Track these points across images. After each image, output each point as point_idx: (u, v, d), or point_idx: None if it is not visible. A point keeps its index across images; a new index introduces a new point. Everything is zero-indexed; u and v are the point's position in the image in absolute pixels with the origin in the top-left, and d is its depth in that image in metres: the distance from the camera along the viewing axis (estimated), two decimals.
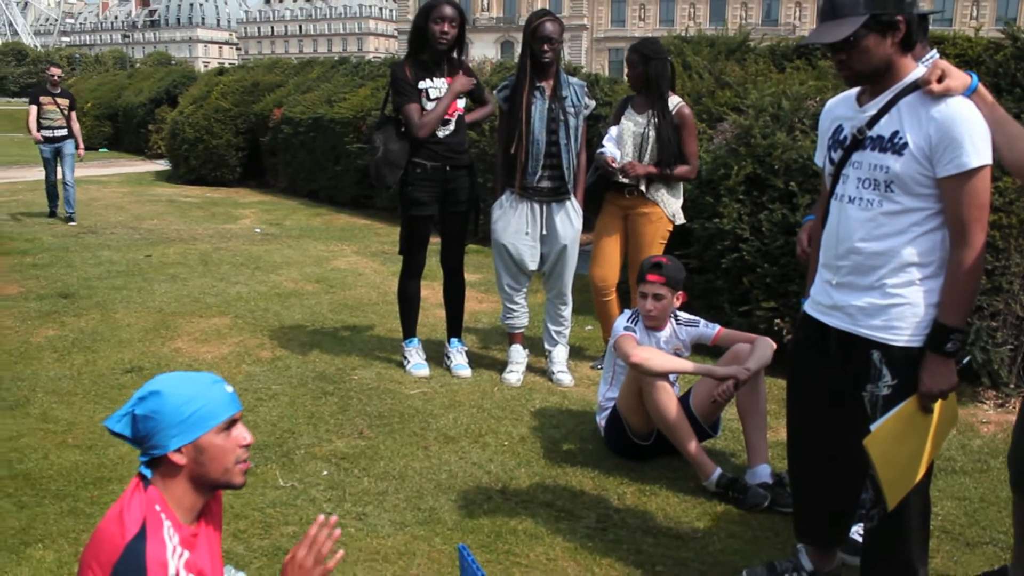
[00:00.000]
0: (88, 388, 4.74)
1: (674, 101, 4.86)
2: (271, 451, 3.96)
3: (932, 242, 2.43)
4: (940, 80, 2.34)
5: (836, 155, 2.60)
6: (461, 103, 4.85)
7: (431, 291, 5.71)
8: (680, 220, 5.05)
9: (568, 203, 4.85)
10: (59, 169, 10.67)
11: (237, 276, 7.49)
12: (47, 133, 10.57)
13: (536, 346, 5.33)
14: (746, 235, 5.20)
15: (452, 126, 4.81)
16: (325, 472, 3.78)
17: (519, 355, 5.06)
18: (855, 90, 2.59)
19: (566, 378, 4.97)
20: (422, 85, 4.73)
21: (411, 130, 4.70)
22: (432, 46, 4.71)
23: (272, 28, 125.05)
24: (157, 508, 1.91)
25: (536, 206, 4.82)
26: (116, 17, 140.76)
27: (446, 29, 4.67)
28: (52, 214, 10.76)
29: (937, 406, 2.46)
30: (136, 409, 1.92)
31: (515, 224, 4.83)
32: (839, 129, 2.61)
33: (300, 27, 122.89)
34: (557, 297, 5.02)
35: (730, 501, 3.56)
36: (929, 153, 2.35)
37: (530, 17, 4.74)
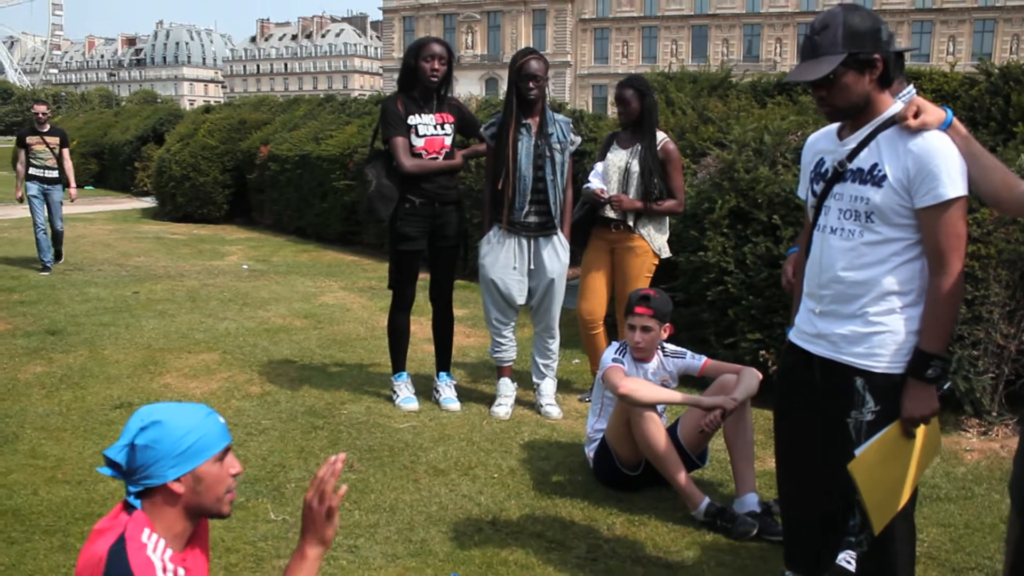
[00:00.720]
0: (77, 424, 4.73)
1: (659, 137, 4.95)
2: (262, 485, 3.97)
3: (912, 271, 2.51)
4: (916, 116, 2.44)
5: (818, 187, 2.68)
6: (448, 139, 4.93)
7: (419, 326, 5.74)
8: (666, 254, 5.12)
9: (555, 238, 4.92)
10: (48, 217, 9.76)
11: (225, 312, 7.51)
12: (37, 173, 9.72)
13: (524, 379, 5.36)
14: (731, 268, 5.27)
15: (440, 161, 4.89)
16: None
17: (507, 388, 5.10)
18: (836, 125, 2.68)
19: (554, 411, 5.01)
20: (411, 120, 4.81)
21: (398, 163, 4.77)
22: (422, 83, 4.81)
23: (258, 66, 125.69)
24: (146, 530, 1.93)
25: (523, 241, 4.88)
26: (102, 56, 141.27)
27: (436, 67, 4.77)
28: (46, 268, 9.50)
29: (920, 431, 2.52)
30: (137, 439, 1.94)
31: (503, 259, 4.89)
32: (821, 162, 2.69)
33: (285, 65, 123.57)
34: (545, 331, 5.06)
35: (718, 530, 3.59)
36: (907, 185, 2.44)
37: (515, 55, 4.83)
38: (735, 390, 3.72)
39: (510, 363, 5.13)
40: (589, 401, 5.00)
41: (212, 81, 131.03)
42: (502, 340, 5.07)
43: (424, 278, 5.15)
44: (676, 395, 3.83)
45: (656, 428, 3.71)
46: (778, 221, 5.14)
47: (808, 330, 2.72)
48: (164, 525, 1.98)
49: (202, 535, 2.16)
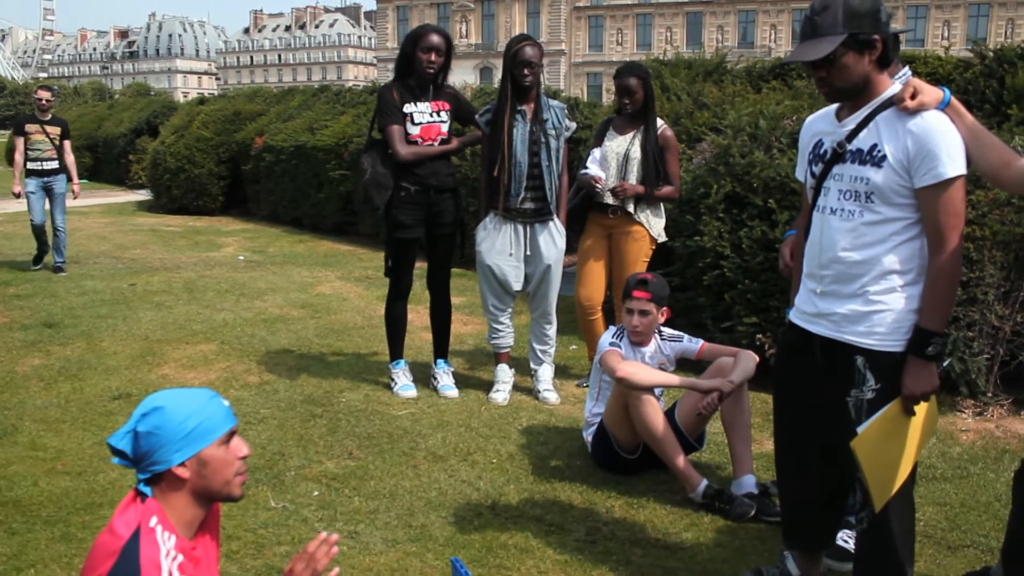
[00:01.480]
0: (76, 415, 4.74)
1: (657, 123, 4.96)
2: (262, 473, 3.98)
3: (912, 250, 2.53)
4: (913, 97, 2.45)
5: (817, 169, 2.69)
6: (444, 127, 4.93)
7: (416, 315, 5.76)
8: (663, 238, 5.13)
9: (551, 224, 4.92)
10: (49, 210, 9.18)
11: (222, 303, 7.51)
12: (35, 166, 8.99)
13: (522, 366, 5.38)
14: (727, 252, 5.29)
15: (436, 147, 4.90)
16: (316, 492, 3.81)
17: (505, 375, 5.11)
18: (834, 106, 2.69)
19: (552, 396, 5.02)
20: (407, 109, 4.82)
21: (394, 151, 4.78)
22: (419, 73, 4.80)
23: (251, 58, 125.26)
24: (154, 518, 1.94)
25: (519, 227, 4.89)
26: (95, 49, 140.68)
27: (433, 59, 4.78)
28: (39, 260, 9.14)
29: (920, 409, 2.54)
30: (139, 426, 1.95)
31: (499, 245, 4.89)
32: (819, 144, 2.70)
33: (279, 56, 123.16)
34: (542, 317, 5.08)
35: (717, 512, 3.62)
36: (907, 164, 2.45)
37: (510, 42, 4.83)
38: (732, 373, 3.73)
39: (507, 349, 5.15)
40: (587, 386, 5.02)
41: (206, 73, 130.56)
42: (499, 327, 5.08)
43: (421, 266, 5.16)
44: (673, 378, 3.85)
45: (654, 411, 3.73)
46: (773, 205, 5.15)
47: (808, 310, 2.74)
48: (175, 512, 2.00)
49: (213, 522, 2.17)
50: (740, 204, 5.36)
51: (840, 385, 2.63)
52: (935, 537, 3.42)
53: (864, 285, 2.56)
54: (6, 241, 11.29)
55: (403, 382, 5.13)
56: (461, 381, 5.27)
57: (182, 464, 1.96)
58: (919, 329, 2.49)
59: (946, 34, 58.94)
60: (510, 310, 5.10)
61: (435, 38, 4.80)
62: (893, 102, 2.49)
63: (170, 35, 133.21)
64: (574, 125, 5.01)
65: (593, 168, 4.94)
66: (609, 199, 4.96)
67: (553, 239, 4.93)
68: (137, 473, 2.00)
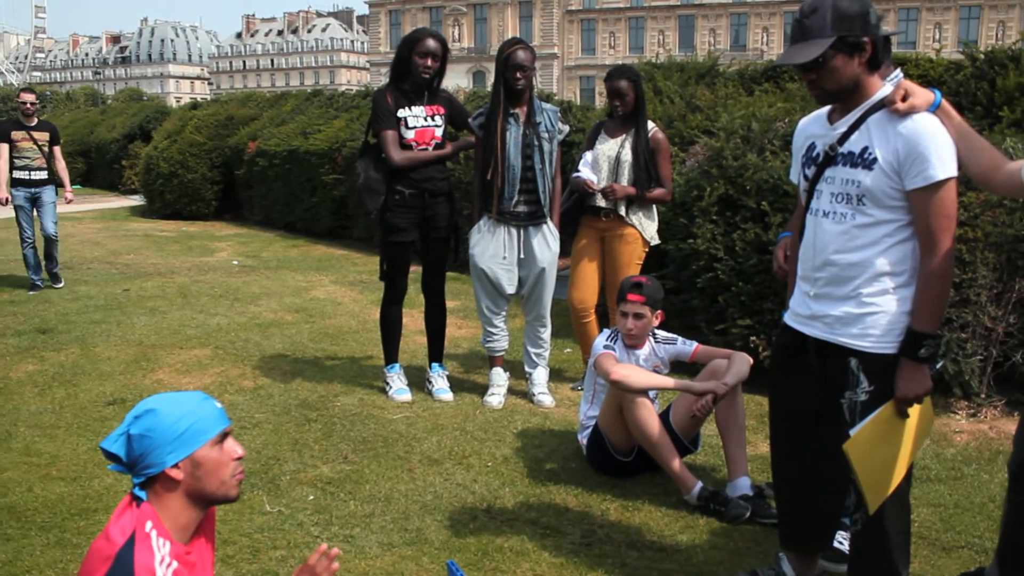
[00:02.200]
0: (70, 421, 4.73)
1: (648, 126, 4.98)
2: (257, 478, 3.97)
3: (904, 252, 2.54)
4: (904, 99, 2.46)
5: (810, 171, 2.70)
6: (439, 131, 4.94)
7: (411, 318, 5.76)
8: (656, 241, 5.14)
9: (545, 227, 4.93)
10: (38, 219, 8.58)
11: (216, 308, 7.51)
12: (22, 175, 8.35)
13: (517, 369, 5.38)
14: (720, 255, 5.30)
15: (430, 152, 4.90)
16: (311, 497, 3.80)
17: (500, 378, 5.12)
18: (826, 109, 2.70)
19: (547, 399, 5.03)
20: (401, 113, 4.82)
21: (388, 157, 4.78)
22: (414, 77, 4.81)
23: (244, 63, 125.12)
24: (149, 523, 1.94)
25: (513, 230, 4.89)
26: (87, 54, 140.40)
27: (429, 64, 4.79)
28: (35, 287, 8.33)
29: (914, 411, 2.55)
30: (131, 429, 1.95)
31: (493, 248, 4.90)
32: (812, 147, 2.71)
33: (272, 61, 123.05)
34: (536, 320, 5.08)
35: (712, 514, 3.62)
36: (898, 167, 2.46)
37: (502, 46, 4.84)
38: (726, 375, 3.74)
39: (502, 353, 5.15)
40: (581, 390, 5.03)
41: (198, 78, 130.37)
42: (494, 330, 5.09)
43: (416, 270, 5.16)
44: (668, 381, 3.86)
45: (648, 414, 3.73)
46: (767, 208, 5.16)
47: (802, 312, 2.75)
48: (170, 516, 2.00)
49: (209, 526, 2.17)
50: (733, 206, 5.37)
51: (834, 387, 2.64)
52: (929, 538, 3.43)
53: (857, 287, 2.57)
54: None
55: (398, 386, 5.13)
56: (456, 385, 5.27)
57: (175, 466, 1.97)
58: (911, 331, 2.51)
59: (937, 36, 59.11)
60: (504, 313, 5.11)
61: (432, 43, 4.81)
62: (884, 104, 2.50)
63: (162, 40, 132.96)
64: (567, 128, 5.02)
65: (585, 172, 4.95)
66: (601, 202, 4.97)
67: (547, 242, 4.93)
68: (132, 478, 2.00)
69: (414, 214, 4.94)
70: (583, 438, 4.15)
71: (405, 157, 4.82)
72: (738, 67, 9.15)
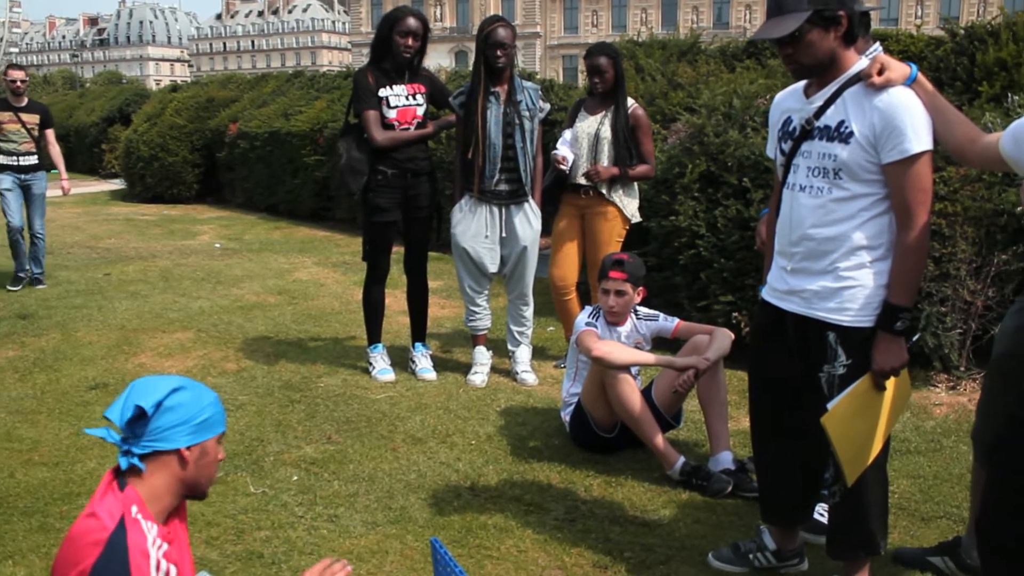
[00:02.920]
0: (52, 406, 4.71)
1: (629, 103, 4.97)
2: (240, 460, 3.97)
3: (880, 226, 2.55)
4: (880, 73, 2.46)
5: (786, 146, 2.71)
6: (420, 110, 4.92)
7: (393, 299, 5.75)
8: (637, 218, 5.15)
9: (526, 205, 4.93)
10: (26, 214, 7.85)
11: (199, 291, 7.47)
12: (7, 160, 7.57)
13: (499, 348, 5.39)
14: (702, 231, 5.31)
15: (412, 131, 4.88)
16: (295, 477, 3.81)
17: (483, 357, 5.12)
18: (802, 83, 2.70)
19: (530, 377, 5.04)
20: (382, 93, 4.80)
21: (370, 137, 4.77)
22: (394, 57, 4.79)
23: (224, 44, 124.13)
24: (134, 507, 1.95)
25: (495, 209, 4.88)
26: (64, 36, 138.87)
27: (410, 43, 4.76)
28: (18, 279, 7.70)
29: (890, 383, 2.57)
30: (167, 400, 1.99)
31: (474, 227, 4.89)
32: (788, 121, 2.72)
33: (252, 42, 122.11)
34: (519, 298, 5.09)
35: (694, 488, 3.65)
36: (873, 141, 2.47)
37: (482, 23, 4.81)
38: (707, 350, 3.76)
39: (485, 332, 5.15)
40: (564, 367, 5.05)
41: (178, 60, 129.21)
42: (476, 309, 5.09)
43: (398, 250, 5.15)
44: (649, 357, 3.87)
45: (630, 390, 3.75)
46: (748, 184, 5.18)
47: (780, 287, 2.76)
48: (155, 497, 2.01)
49: (182, 509, 2.19)
50: (715, 183, 5.38)
51: (812, 361, 2.66)
52: (909, 509, 3.47)
53: (834, 262, 2.58)
54: None
55: (381, 366, 5.13)
56: (439, 364, 5.27)
57: (189, 448, 2.02)
58: (888, 304, 2.52)
59: (919, 13, 59.14)
60: (487, 292, 5.11)
61: (412, 22, 4.78)
62: (860, 78, 2.51)
63: (141, 22, 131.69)
64: (548, 106, 5.01)
65: (562, 149, 4.95)
66: (581, 179, 4.97)
67: (529, 220, 4.93)
68: (129, 448, 2.00)
69: (396, 194, 4.93)
70: (566, 415, 4.17)
71: (387, 137, 4.80)
72: (720, 44, 9.13)
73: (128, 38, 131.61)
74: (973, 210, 4.67)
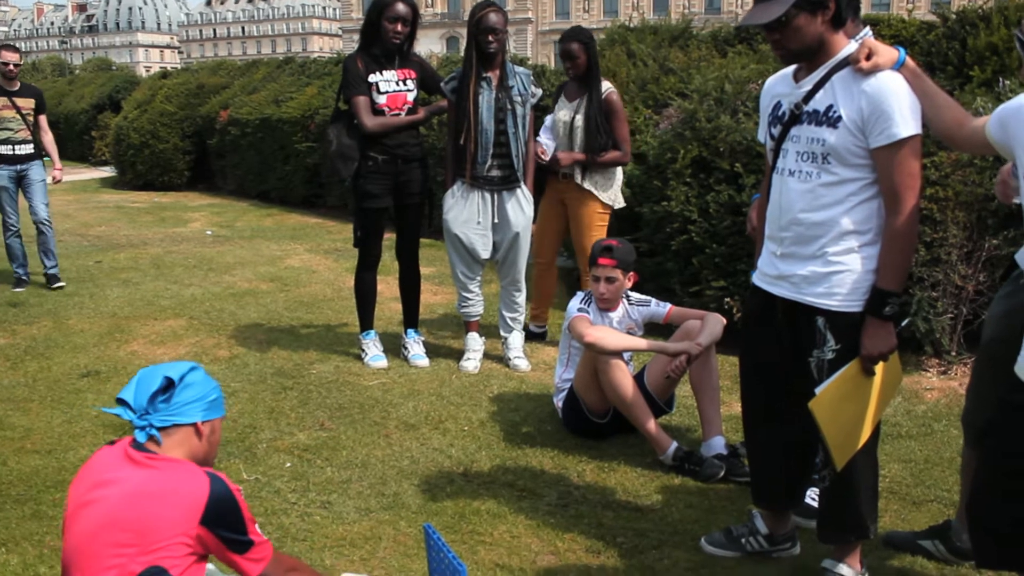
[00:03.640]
0: (44, 394, 4.70)
1: (604, 86, 5.00)
2: (233, 447, 3.97)
3: (869, 211, 2.55)
4: (868, 58, 2.46)
5: (776, 131, 2.71)
6: (411, 95, 4.90)
7: (386, 285, 5.75)
8: (618, 204, 5.20)
9: (519, 191, 4.92)
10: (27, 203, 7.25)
11: (190, 278, 7.45)
12: (5, 150, 7.05)
13: (492, 334, 5.39)
14: (694, 217, 5.31)
15: (403, 117, 4.87)
16: (288, 464, 3.81)
17: (475, 343, 5.12)
18: (792, 68, 2.70)
19: (523, 363, 5.04)
20: (372, 78, 4.78)
21: (360, 123, 4.75)
22: (384, 42, 4.77)
23: (214, 31, 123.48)
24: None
25: (487, 195, 4.88)
26: (52, 23, 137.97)
27: (399, 28, 4.75)
28: (21, 282, 7.15)
29: (879, 368, 2.58)
30: (187, 376, 2.16)
31: (467, 213, 4.88)
32: (778, 105, 2.72)
33: (243, 29, 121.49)
34: (511, 284, 5.09)
35: (687, 473, 3.66)
36: (862, 125, 2.47)
37: (473, 8, 4.79)
38: (699, 335, 3.77)
39: (477, 318, 5.15)
40: (537, 329, 5.30)
41: (168, 47, 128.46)
42: (468, 295, 5.09)
43: (390, 237, 5.14)
44: (642, 342, 3.88)
45: (623, 375, 3.76)
46: (740, 169, 5.18)
47: (770, 272, 2.76)
48: None
49: None
50: (707, 168, 5.38)
51: (802, 346, 2.67)
52: (900, 493, 3.49)
53: (823, 246, 2.59)
54: None
55: (373, 352, 5.13)
56: (431, 350, 5.28)
57: (204, 423, 2.18)
58: (876, 289, 2.53)
59: None
60: (479, 278, 5.10)
61: (401, 7, 4.76)
62: (849, 62, 2.50)
63: (130, 8, 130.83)
64: (540, 92, 4.99)
65: (543, 137, 5.04)
66: (557, 168, 5.05)
67: (521, 206, 4.93)
68: (147, 421, 2.12)
69: (387, 180, 4.91)
70: (558, 401, 4.18)
71: (377, 123, 4.79)
72: (711, 29, 9.12)
73: (117, 24, 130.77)
74: (964, 195, 4.68)
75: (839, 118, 2.50)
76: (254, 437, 4.10)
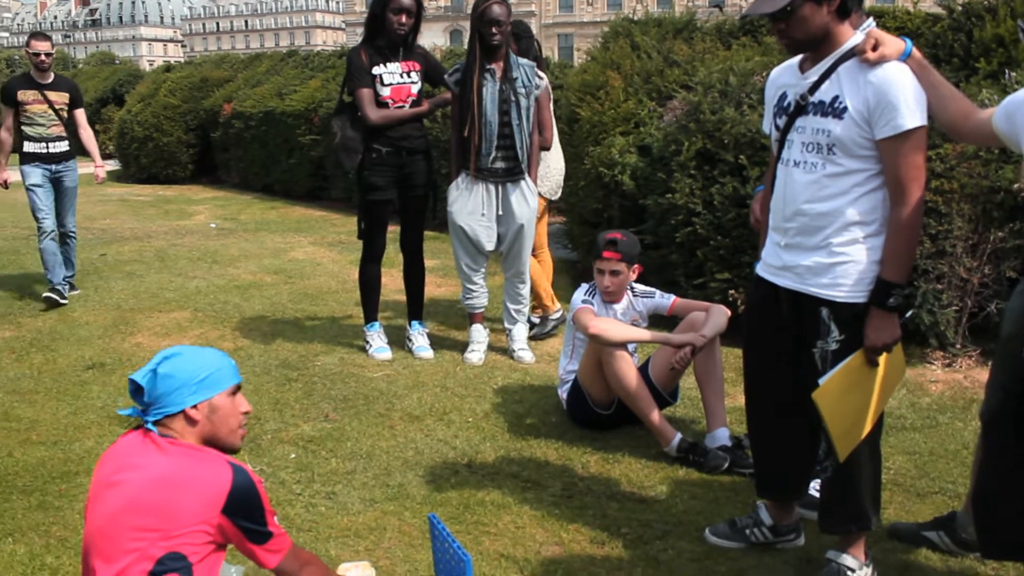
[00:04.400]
0: (49, 386, 4.71)
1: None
2: None
3: (874, 202, 2.54)
4: (875, 48, 2.45)
5: (781, 121, 2.70)
6: (415, 87, 4.90)
7: (390, 278, 5.75)
8: (554, 196, 5.40)
9: (523, 183, 4.92)
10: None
11: (195, 271, 7.47)
12: (37, 148, 6.46)
13: (496, 326, 5.39)
14: (699, 209, 5.30)
15: (407, 109, 4.87)
16: (293, 455, 3.82)
17: (480, 335, 5.13)
18: (798, 58, 2.69)
19: (527, 355, 5.05)
20: (376, 70, 4.78)
21: (364, 115, 4.75)
22: (388, 35, 4.77)
23: (217, 24, 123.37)
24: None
25: (491, 187, 4.87)
26: (56, 17, 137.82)
27: (403, 20, 4.75)
28: (61, 293, 6.33)
29: (883, 359, 2.57)
30: (159, 367, 2.12)
31: (471, 205, 4.88)
32: (783, 96, 2.71)
33: (246, 22, 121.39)
34: (515, 276, 5.09)
35: (691, 465, 3.66)
36: (867, 116, 2.46)
37: (477, 1, 4.78)
38: (704, 327, 3.76)
39: (481, 310, 5.16)
40: (536, 321, 5.37)
41: (171, 41, 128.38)
42: (473, 287, 5.09)
43: (394, 229, 5.15)
44: (646, 333, 3.88)
45: (627, 367, 3.76)
46: (744, 161, 5.17)
47: (774, 263, 2.76)
48: None
49: None
50: (711, 161, 5.37)
51: (806, 337, 2.67)
52: (904, 485, 3.49)
53: (827, 237, 2.58)
54: None
55: (378, 344, 5.14)
56: (436, 342, 5.28)
57: (194, 407, 2.14)
58: (881, 281, 2.52)
59: None
60: (483, 270, 5.10)
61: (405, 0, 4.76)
62: (855, 53, 2.50)
63: (133, 2, 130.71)
64: (544, 82, 4.99)
65: None
66: None
67: (525, 198, 4.92)
68: (147, 417, 2.14)
69: (392, 172, 4.92)
70: (563, 392, 4.18)
71: (381, 115, 4.79)
72: (716, 21, 9.09)
73: (120, 18, 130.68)
74: (970, 187, 4.66)
75: (845, 109, 2.49)
76: (259, 428, 4.11)
